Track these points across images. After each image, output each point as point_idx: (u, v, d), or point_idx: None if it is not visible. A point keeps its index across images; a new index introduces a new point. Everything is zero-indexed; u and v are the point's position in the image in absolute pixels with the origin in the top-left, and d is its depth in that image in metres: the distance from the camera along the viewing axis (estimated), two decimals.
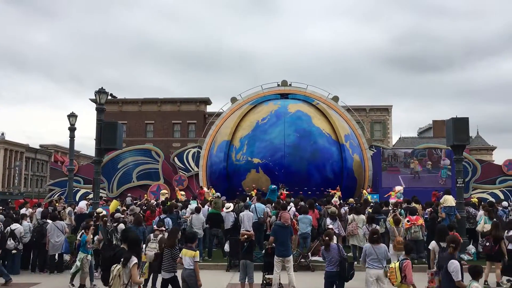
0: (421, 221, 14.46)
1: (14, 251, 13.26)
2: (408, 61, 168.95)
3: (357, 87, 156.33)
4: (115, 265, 6.98)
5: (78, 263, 11.61)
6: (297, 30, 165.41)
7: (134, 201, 21.94)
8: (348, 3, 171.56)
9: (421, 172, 25.92)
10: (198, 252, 9.00)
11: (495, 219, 13.71)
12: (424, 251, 13.95)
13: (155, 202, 20.17)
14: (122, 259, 6.94)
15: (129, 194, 26.15)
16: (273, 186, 21.93)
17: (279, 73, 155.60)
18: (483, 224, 14.86)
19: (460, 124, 15.57)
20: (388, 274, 8.31)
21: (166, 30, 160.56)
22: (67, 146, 26.52)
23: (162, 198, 21.82)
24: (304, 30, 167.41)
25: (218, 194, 20.89)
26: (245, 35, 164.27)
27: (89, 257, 11.71)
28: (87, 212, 16.51)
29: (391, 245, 12.74)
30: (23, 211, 16.94)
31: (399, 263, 8.18)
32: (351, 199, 20.31)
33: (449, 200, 15.56)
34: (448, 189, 17.86)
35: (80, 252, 11.70)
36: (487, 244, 11.99)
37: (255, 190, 23.33)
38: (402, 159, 26.22)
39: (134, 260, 6.83)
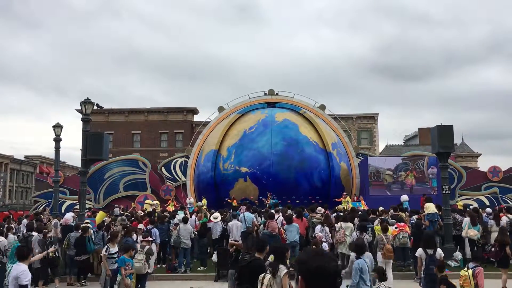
0: (408, 228, 14.56)
1: None
2: (392, 70, 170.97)
3: (342, 95, 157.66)
4: (262, 275, 6.70)
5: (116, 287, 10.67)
6: (283, 40, 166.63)
7: (121, 212, 21.75)
8: (333, 13, 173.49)
9: (413, 185, 26.03)
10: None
11: (501, 226, 13.91)
12: (410, 258, 14.03)
13: (142, 213, 20.02)
14: (271, 269, 6.70)
15: (116, 205, 25.92)
16: (274, 202, 22.17)
17: (265, 82, 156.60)
18: (467, 230, 15.05)
19: (444, 132, 15.75)
20: (461, 282, 8.34)
21: (151, 39, 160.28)
22: (53, 157, 26.25)
23: (149, 208, 21.68)
24: (289, 39, 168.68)
25: (199, 203, 21.02)
26: (231, 44, 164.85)
27: (128, 281, 10.54)
28: (73, 224, 16.31)
29: (379, 253, 12.77)
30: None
31: (472, 270, 8.21)
32: (339, 207, 20.40)
33: (430, 208, 15.70)
34: (430, 197, 18.05)
35: (119, 275, 10.62)
36: (493, 249, 12.10)
37: (234, 201, 23.51)
38: (384, 176, 26.36)
39: (284, 269, 6.76)
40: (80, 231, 13.88)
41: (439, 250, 9.03)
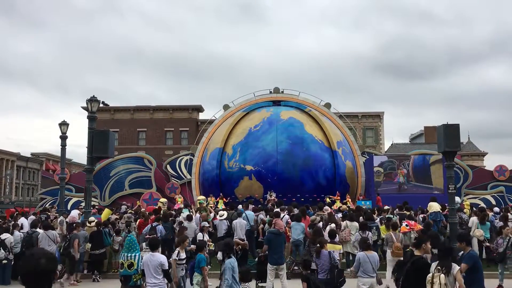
0: (419, 226, 14.45)
1: (4, 261, 13.12)
2: (396, 68, 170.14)
3: (345, 94, 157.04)
4: (431, 275, 6.62)
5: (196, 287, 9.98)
6: (285, 38, 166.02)
7: (126, 210, 21.81)
8: (336, 11, 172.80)
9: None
10: (341, 245, 11.10)
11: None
12: None
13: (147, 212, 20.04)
14: (443, 267, 6.64)
15: (124, 202, 26.02)
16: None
17: (269, 81, 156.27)
18: (474, 229, 14.97)
19: (451, 131, 15.64)
20: None
21: (154, 37, 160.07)
22: (58, 154, 26.36)
23: (163, 207, 21.74)
24: (292, 38, 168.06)
25: (200, 198, 21.15)
26: (233, 43, 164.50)
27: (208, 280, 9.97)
28: (79, 221, 16.39)
29: (389, 251, 12.70)
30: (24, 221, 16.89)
31: None
32: (343, 206, 20.37)
33: (433, 206, 15.61)
34: (434, 196, 17.94)
35: (196, 273, 9.99)
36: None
37: (224, 199, 23.72)
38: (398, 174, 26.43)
39: (457, 267, 6.74)
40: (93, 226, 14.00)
41: None
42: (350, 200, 23.74)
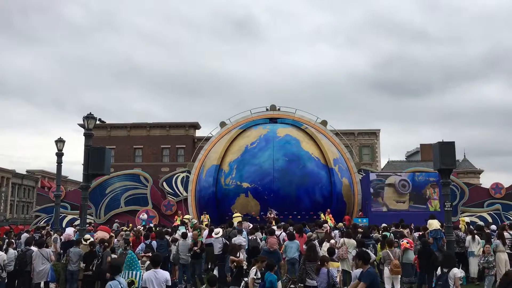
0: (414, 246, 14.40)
1: None
2: (391, 86, 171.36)
3: (341, 111, 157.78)
4: None
5: None
6: (281, 56, 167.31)
7: (120, 228, 21.61)
8: (331, 29, 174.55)
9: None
10: (339, 263, 11.03)
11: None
12: (413, 276, 13.88)
13: (141, 228, 19.92)
14: None
15: (116, 220, 25.81)
16: None
17: (265, 98, 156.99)
18: (479, 248, 14.91)
19: (446, 148, 15.69)
20: None
21: (150, 55, 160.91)
22: (54, 171, 26.23)
23: (189, 223, 21.65)
24: (288, 55, 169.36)
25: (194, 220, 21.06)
26: (229, 60, 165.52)
27: None
28: (75, 239, 16.24)
29: (386, 269, 12.61)
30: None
31: None
32: (340, 224, 20.28)
33: (433, 224, 15.58)
34: (433, 214, 17.95)
35: None
36: None
37: (206, 216, 23.85)
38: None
39: None
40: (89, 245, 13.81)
41: (454, 270, 8.72)
42: (331, 217, 23.56)
